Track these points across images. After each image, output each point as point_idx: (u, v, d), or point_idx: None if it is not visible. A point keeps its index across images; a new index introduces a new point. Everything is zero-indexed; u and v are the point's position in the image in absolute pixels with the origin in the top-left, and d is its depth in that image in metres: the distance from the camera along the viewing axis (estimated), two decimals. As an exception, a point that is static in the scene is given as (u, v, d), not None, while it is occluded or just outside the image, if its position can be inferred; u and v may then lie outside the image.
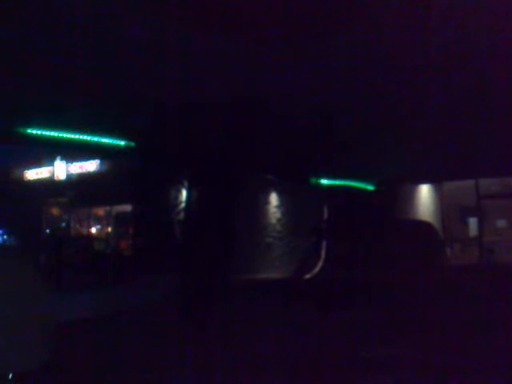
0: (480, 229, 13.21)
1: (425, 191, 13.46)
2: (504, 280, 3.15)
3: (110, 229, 22.07)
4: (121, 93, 1.65)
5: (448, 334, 2.11)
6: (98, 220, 22.82)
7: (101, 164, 20.17)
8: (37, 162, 21.73)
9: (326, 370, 2.15)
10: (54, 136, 1.79)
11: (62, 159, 21.40)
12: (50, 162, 21.79)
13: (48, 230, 22.93)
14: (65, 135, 1.82)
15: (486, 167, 3.44)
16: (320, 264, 3.05)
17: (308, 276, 3.05)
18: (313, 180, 3.03)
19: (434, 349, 2.07)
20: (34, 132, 1.75)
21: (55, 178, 21.83)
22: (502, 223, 13.19)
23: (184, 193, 14.18)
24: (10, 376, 0.98)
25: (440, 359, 2.07)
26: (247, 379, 2.28)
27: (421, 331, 2.08)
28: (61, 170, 21.80)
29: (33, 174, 22.62)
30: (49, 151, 18.62)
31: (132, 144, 1.98)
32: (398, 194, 3.43)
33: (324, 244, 3.10)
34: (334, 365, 2.13)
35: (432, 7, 1.22)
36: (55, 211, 23.38)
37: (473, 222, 13.80)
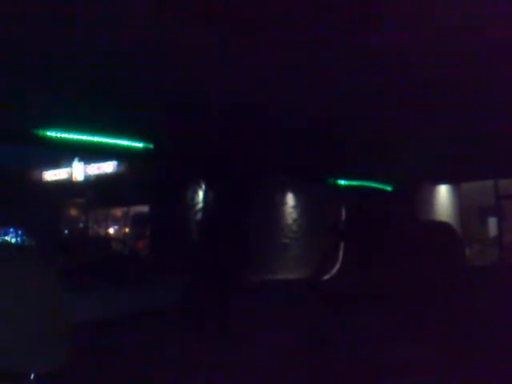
0: (500, 229, 13.06)
1: (443, 192, 13.33)
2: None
3: (127, 229, 22.25)
4: (139, 95, 1.65)
5: (468, 337, 2.08)
6: (115, 221, 23.01)
7: (118, 165, 20.34)
8: (55, 164, 21.98)
9: (340, 373, 2.14)
10: (72, 138, 1.81)
11: (80, 161, 21.62)
12: (68, 164, 22.02)
13: (66, 231, 23.18)
14: (83, 137, 1.83)
15: (505, 167, 3.40)
16: (338, 265, 3.03)
17: (326, 277, 3.03)
18: (330, 180, 3.01)
19: (452, 352, 2.04)
20: (53, 134, 1.76)
21: (73, 179, 22.06)
22: (523, 224, 13.01)
23: (200, 194, 14.25)
24: (32, 376, 0.99)
25: (459, 363, 2.04)
26: (257, 381, 2.27)
27: (440, 334, 2.05)
28: (79, 171, 22.02)
29: (51, 176, 22.88)
30: (67, 153, 18.81)
31: (150, 146, 1.99)
32: (416, 195, 3.39)
33: (342, 245, 3.08)
34: (349, 368, 2.12)
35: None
36: (73, 212, 23.63)
37: (492, 222, 13.65)
